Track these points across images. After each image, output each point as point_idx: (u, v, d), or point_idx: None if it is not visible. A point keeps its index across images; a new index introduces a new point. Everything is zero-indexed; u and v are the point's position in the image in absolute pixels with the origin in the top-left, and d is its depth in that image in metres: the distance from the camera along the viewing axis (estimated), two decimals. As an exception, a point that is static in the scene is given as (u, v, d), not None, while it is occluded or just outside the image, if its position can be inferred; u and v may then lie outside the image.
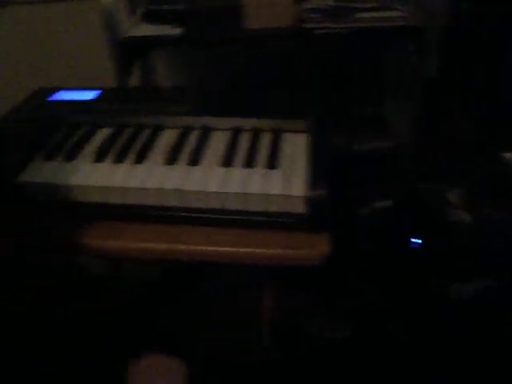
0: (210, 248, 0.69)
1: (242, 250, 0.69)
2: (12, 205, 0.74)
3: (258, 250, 0.69)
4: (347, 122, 1.38)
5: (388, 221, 1.03)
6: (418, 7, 1.27)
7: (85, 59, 1.67)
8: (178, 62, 1.65)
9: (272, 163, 0.75)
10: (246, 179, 0.72)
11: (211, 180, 0.71)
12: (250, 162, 0.75)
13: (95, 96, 0.95)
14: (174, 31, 1.22)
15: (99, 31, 1.22)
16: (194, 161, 0.76)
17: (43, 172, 0.75)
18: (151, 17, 1.28)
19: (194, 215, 0.71)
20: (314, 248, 0.70)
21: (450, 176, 1.15)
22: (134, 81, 1.28)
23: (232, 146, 0.80)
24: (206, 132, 0.84)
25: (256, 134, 0.83)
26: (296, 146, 0.80)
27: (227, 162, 0.76)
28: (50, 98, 0.96)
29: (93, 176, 0.74)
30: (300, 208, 0.69)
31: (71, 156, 0.79)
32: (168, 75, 1.66)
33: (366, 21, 1.23)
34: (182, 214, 0.71)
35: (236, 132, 0.84)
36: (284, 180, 0.71)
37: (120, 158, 0.78)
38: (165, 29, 1.23)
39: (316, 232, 0.71)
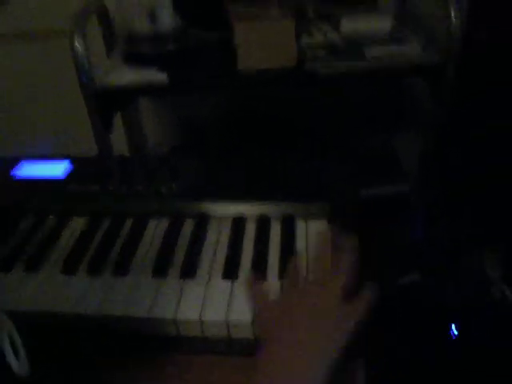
0: None
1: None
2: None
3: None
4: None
5: (418, 301, 0.86)
6: (430, 41, 1.12)
7: (56, 110, 1.50)
8: (163, 111, 1.49)
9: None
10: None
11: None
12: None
13: (66, 171, 0.80)
14: (161, 76, 1.06)
15: (72, 78, 1.05)
16: (190, 271, 0.60)
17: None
18: (132, 59, 1.12)
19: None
20: None
21: (481, 234, 0.98)
22: (117, 135, 1.11)
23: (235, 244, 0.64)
24: (203, 222, 0.68)
25: (262, 223, 0.68)
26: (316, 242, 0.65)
27: (230, 271, 0.60)
28: (13, 173, 0.81)
29: (60, 299, 0.58)
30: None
31: (35, 264, 0.63)
32: (154, 127, 1.50)
33: (375, 59, 1.09)
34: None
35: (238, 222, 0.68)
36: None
37: (96, 268, 0.62)
38: (150, 74, 1.07)
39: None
